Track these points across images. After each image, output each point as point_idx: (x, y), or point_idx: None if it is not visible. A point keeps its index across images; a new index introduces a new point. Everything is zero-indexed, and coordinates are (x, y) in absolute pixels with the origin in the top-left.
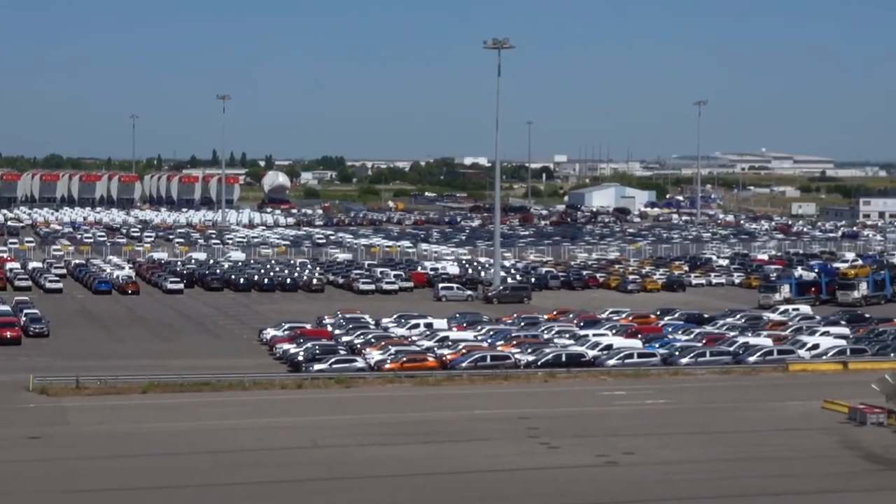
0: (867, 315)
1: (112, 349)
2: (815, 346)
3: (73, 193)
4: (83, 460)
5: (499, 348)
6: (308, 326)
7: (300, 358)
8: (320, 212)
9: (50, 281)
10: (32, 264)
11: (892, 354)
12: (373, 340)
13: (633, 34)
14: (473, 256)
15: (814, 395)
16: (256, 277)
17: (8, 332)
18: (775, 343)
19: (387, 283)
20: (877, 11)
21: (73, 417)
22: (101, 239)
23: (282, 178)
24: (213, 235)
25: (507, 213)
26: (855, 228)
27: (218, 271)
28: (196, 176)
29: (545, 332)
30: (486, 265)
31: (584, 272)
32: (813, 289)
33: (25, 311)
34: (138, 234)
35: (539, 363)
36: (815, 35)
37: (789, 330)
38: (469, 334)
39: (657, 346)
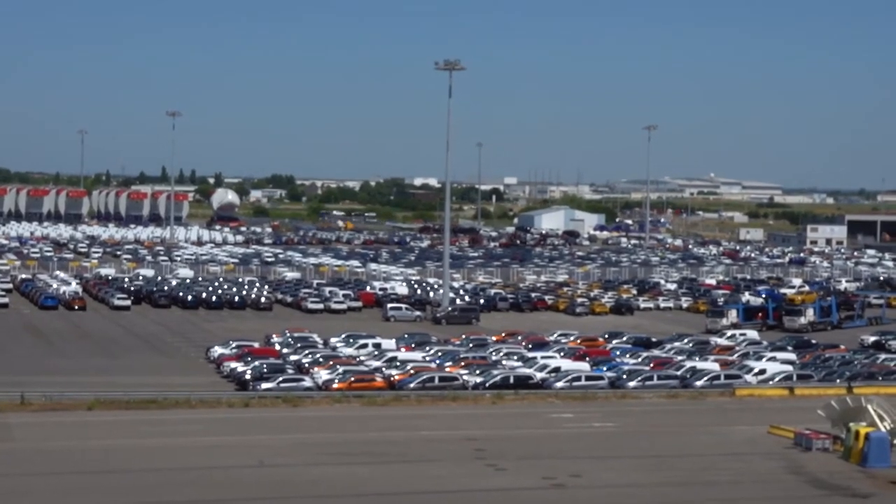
0: (813, 341)
1: (58, 365)
2: (762, 372)
3: (21, 208)
4: (28, 477)
5: (447, 369)
6: (256, 345)
7: (247, 376)
8: (269, 230)
9: None
10: None
11: (837, 380)
12: (321, 360)
13: (584, 57)
14: (422, 277)
15: (760, 420)
16: (204, 295)
17: None
18: (722, 368)
19: (335, 302)
20: (825, 41)
21: (18, 433)
22: (48, 254)
23: (231, 196)
24: (161, 252)
25: (456, 234)
26: (802, 255)
27: (166, 288)
28: (145, 192)
29: (493, 353)
30: (435, 286)
31: (533, 294)
32: (760, 314)
33: None
34: (86, 249)
35: (487, 385)
36: (765, 62)
37: (736, 355)
38: (417, 355)
39: (605, 369)
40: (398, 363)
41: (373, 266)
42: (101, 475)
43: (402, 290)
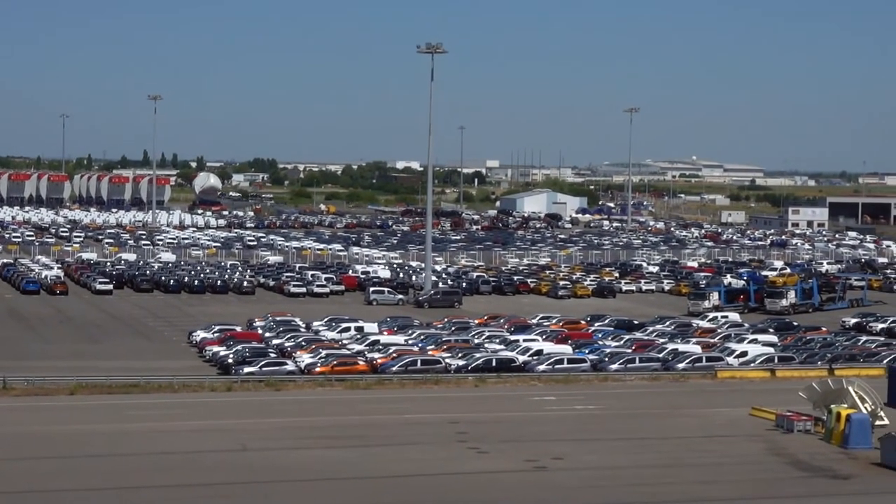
0: (795, 323)
1: (40, 350)
2: (744, 354)
3: (2, 192)
4: (10, 462)
5: (429, 352)
6: (238, 329)
7: (230, 360)
8: (251, 214)
9: None
10: None
11: (819, 363)
12: (303, 343)
13: (566, 40)
14: (405, 260)
15: (742, 402)
16: (187, 279)
17: None
18: (704, 350)
19: (318, 286)
20: (805, 23)
21: (0, 418)
22: (30, 238)
23: (213, 180)
24: (144, 236)
25: (438, 217)
26: (783, 237)
27: (148, 272)
28: (126, 176)
29: (476, 336)
30: (418, 269)
31: (515, 277)
32: (742, 296)
33: None
34: (67, 234)
35: (469, 368)
36: (746, 45)
37: (718, 337)
38: (400, 338)
39: (587, 351)
40: (381, 346)
41: (355, 250)
42: (84, 459)
43: (385, 273)
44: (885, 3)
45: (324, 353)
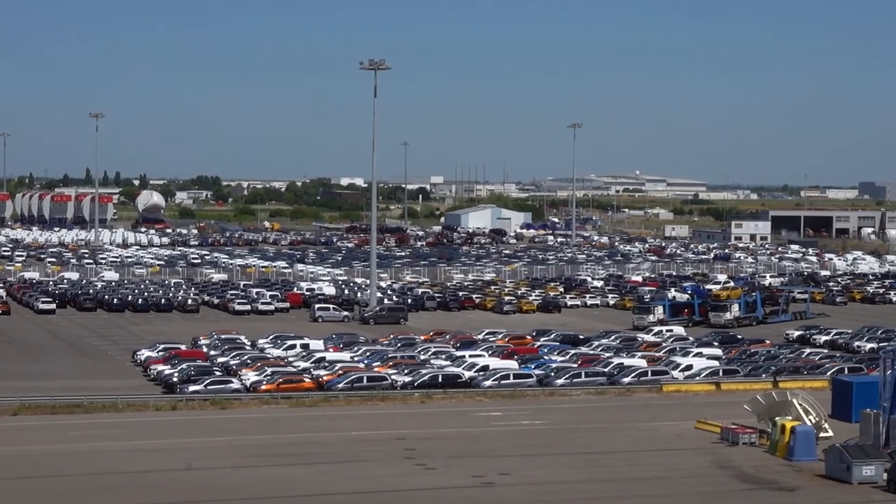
0: (739, 336)
1: None
2: (689, 367)
3: None
4: None
5: (375, 369)
6: (183, 347)
7: (175, 379)
8: (195, 231)
9: None
10: None
11: (763, 375)
12: (248, 361)
13: (509, 56)
14: (350, 277)
15: (687, 416)
16: (130, 297)
17: None
18: (649, 364)
19: (263, 303)
20: (745, 39)
21: None
22: None
23: (156, 198)
24: (86, 255)
25: (383, 233)
26: (727, 250)
27: (91, 291)
28: (69, 195)
29: (422, 352)
30: (363, 286)
31: (461, 293)
32: (686, 310)
33: None
34: (9, 253)
35: (416, 384)
36: (688, 60)
37: (663, 351)
38: (345, 355)
39: (533, 366)
40: (326, 364)
41: (300, 267)
42: (28, 481)
43: (330, 290)
44: (824, 19)
45: (269, 370)
